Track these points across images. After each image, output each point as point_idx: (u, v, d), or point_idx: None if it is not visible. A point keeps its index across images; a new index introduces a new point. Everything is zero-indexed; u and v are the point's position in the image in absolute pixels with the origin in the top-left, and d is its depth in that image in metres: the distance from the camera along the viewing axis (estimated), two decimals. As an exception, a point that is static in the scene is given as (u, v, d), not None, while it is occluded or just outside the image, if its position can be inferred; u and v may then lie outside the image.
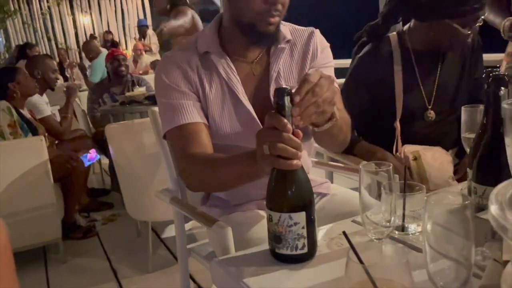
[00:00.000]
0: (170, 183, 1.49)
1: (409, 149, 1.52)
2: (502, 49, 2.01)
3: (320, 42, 1.25)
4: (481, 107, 0.99)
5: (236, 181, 1.06)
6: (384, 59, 1.59)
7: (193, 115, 1.14)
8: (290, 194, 0.80)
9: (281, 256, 0.82)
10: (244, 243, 1.08)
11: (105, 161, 3.84)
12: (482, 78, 1.76)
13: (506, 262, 0.51)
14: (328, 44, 1.28)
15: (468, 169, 0.97)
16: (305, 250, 0.81)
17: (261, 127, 1.05)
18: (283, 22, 1.21)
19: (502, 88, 0.81)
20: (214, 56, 1.18)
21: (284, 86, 0.81)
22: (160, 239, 2.80)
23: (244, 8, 1.10)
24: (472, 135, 1.04)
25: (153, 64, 6.24)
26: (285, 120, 0.79)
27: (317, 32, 1.26)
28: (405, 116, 1.59)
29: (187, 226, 1.55)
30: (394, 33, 1.65)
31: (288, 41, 1.22)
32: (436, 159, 1.49)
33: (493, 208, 0.38)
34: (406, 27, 1.63)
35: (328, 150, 1.51)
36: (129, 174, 2.42)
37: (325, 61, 1.25)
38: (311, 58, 1.23)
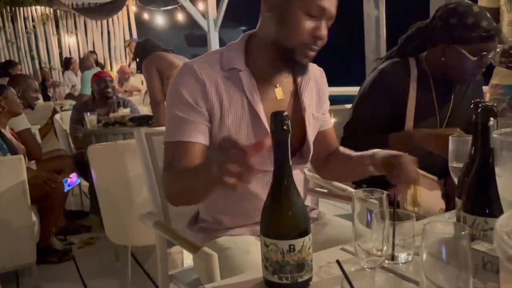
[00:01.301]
0: (154, 206, 1.45)
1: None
2: (486, 81, 2.08)
3: (326, 83, 1.36)
4: (469, 137, 1.00)
5: (198, 191, 1.05)
6: (403, 77, 1.62)
7: (197, 134, 1.14)
8: (288, 220, 0.79)
9: (280, 285, 0.78)
10: (230, 270, 1.05)
11: (84, 182, 3.76)
12: (470, 109, 1.82)
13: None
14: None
15: (456, 199, 0.97)
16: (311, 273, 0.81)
17: None
18: None
19: (491, 118, 0.82)
20: (240, 73, 1.17)
21: (281, 111, 0.80)
22: (139, 264, 2.72)
23: (291, 35, 1.12)
24: (460, 165, 1.05)
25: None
26: (238, 145, 0.82)
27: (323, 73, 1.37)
28: None
29: (168, 250, 1.51)
30: (412, 57, 1.68)
31: (311, 73, 1.28)
32: (432, 189, 1.51)
33: (499, 239, 0.37)
34: (424, 54, 1.67)
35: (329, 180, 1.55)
36: (110, 196, 2.36)
37: (327, 103, 1.37)
38: (325, 97, 1.34)
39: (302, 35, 1.10)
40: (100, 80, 3.74)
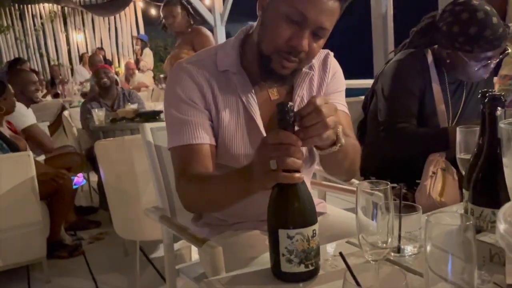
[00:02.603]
0: (160, 201, 1.46)
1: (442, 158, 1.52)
2: (495, 72, 2.06)
3: (333, 65, 1.22)
4: (476, 128, 0.99)
5: (229, 200, 1.02)
6: (424, 67, 1.60)
7: (202, 135, 1.09)
8: (308, 206, 0.80)
9: (306, 274, 0.79)
10: (235, 264, 1.05)
11: (94, 178, 3.79)
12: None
13: (510, 286, 0.49)
14: (340, 68, 1.25)
15: (464, 190, 0.95)
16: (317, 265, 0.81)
17: None
18: None
19: (499, 108, 0.81)
20: (234, 76, 1.12)
21: (286, 102, 0.80)
22: (148, 259, 2.73)
23: (267, 39, 1.04)
24: (468, 156, 1.04)
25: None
26: (295, 136, 0.79)
27: (331, 54, 1.23)
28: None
29: (177, 245, 1.51)
30: (428, 49, 1.65)
31: (310, 67, 1.18)
32: (454, 181, 1.50)
33: (502, 227, 0.36)
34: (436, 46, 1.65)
35: (336, 177, 1.39)
36: (118, 192, 2.38)
37: (336, 86, 1.23)
38: (327, 82, 1.20)
39: (277, 40, 1.00)
40: (97, 72, 3.87)
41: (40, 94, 3.32)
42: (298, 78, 1.16)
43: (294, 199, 0.79)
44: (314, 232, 0.79)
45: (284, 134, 0.79)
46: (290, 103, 0.80)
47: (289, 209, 0.79)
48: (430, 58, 1.62)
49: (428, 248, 0.56)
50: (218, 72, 1.13)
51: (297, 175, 0.79)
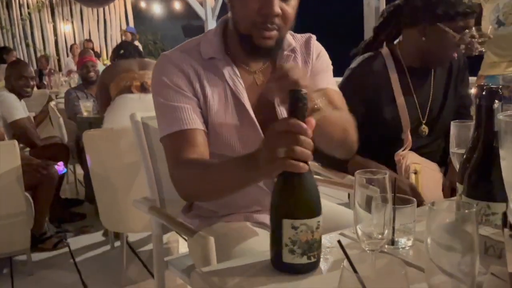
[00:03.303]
0: (149, 192, 1.43)
1: (412, 160, 1.51)
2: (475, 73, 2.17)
3: (317, 47, 1.23)
4: (471, 122, 0.98)
5: (230, 188, 1.00)
6: (379, 70, 1.59)
7: (194, 121, 1.08)
8: (315, 197, 0.78)
9: (307, 266, 0.78)
10: (226, 256, 1.04)
11: (80, 171, 3.73)
12: (469, 96, 1.80)
13: (513, 274, 0.48)
14: (324, 50, 1.25)
15: (458, 184, 0.95)
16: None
17: (263, 137, 1.02)
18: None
19: (496, 101, 0.81)
20: (220, 63, 1.13)
21: (299, 89, 0.78)
22: (134, 252, 2.70)
23: (241, 17, 1.06)
24: (462, 150, 1.04)
25: None
26: (305, 125, 0.77)
27: (314, 37, 1.24)
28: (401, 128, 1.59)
29: (164, 238, 1.49)
30: (385, 47, 1.65)
31: (292, 49, 1.19)
32: (432, 179, 1.49)
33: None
34: (396, 41, 1.65)
35: (335, 154, 1.29)
36: (105, 183, 2.34)
37: (322, 66, 1.23)
38: (313, 63, 1.21)
39: (249, 14, 1.03)
40: (83, 65, 3.84)
41: (30, 91, 3.20)
42: (281, 61, 1.16)
43: (301, 189, 0.78)
44: (318, 223, 0.77)
45: (295, 122, 0.77)
46: (304, 91, 0.78)
47: (295, 199, 0.77)
48: (389, 58, 1.60)
49: (428, 239, 0.55)
50: (204, 60, 1.13)
51: (305, 164, 0.77)
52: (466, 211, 0.55)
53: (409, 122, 1.57)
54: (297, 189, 0.78)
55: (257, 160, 0.85)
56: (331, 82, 1.22)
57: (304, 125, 0.77)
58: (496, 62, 2.25)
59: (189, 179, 1.05)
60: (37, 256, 2.63)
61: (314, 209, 0.77)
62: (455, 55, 1.55)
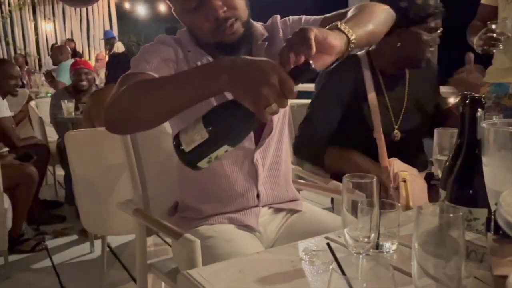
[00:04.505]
0: (134, 194, 1.42)
1: (398, 167, 1.54)
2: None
3: (282, 20, 1.23)
4: (454, 130, 1.01)
5: (176, 99, 0.86)
6: (354, 74, 1.63)
7: (162, 73, 1.02)
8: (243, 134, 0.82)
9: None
10: (211, 259, 1.03)
11: (60, 172, 3.67)
12: (444, 105, 1.85)
13: (497, 276, 0.50)
14: (290, 17, 1.24)
15: (441, 190, 0.97)
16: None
17: None
18: (254, 22, 1.16)
19: (479, 109, 0.83)
20: (202, 58, 1.13)
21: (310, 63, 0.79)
22: (115, 255, 2.67)
23: (198, 31, 1.09)
24: (444, 157, 1.06)
25: None
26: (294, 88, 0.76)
27: (278, 17, 1.23)
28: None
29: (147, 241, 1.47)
30: (363, 52, 1.69)
31: (266, 38, 1.18)
32: (417, 185, 1.52)
33: (503, 211, 0.37)
34: (372, 47, 1.68)
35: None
36: (87, 184, 2.30)
37: (296, 23, 1.21)
38: (287, 32, 1.19)
39: (204, 30, 1.05)
40: (76, 72, 3.61)
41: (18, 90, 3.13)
42: (256, 52, 1.16)
43: (241, 118, 0.79)
44: (225, 152, 0.82)
45: (290, 81, 0.75)
46: (313, 65, 0.78)
47: (232, 124, 0.80)
48: (366, 65, 1.65)
49: (416, 245, 0.56)
50: (185, 53, 1.14)
51: (275, 108, 0.75)
52: (451, 215, 0.56)
53: (380, 121, 1.61)
54: (238, 118, 0.79)
55: (220, 70, 0.79)
56: (312, 20, 1.19)
57: (294, 88, 0.76)
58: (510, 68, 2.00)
59: (127, 97, 0.91)
60: (14, 259, 2.57)
61: (235, 142, 0.82)
62: (428, 55, 1.62)
